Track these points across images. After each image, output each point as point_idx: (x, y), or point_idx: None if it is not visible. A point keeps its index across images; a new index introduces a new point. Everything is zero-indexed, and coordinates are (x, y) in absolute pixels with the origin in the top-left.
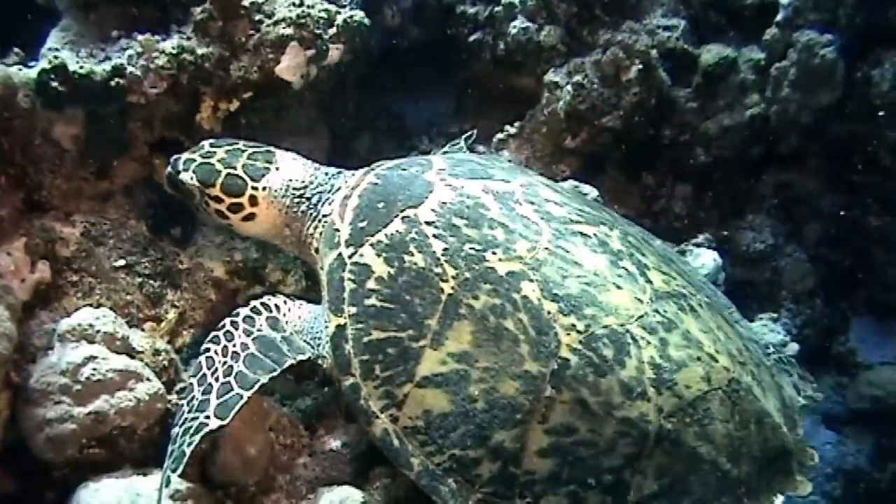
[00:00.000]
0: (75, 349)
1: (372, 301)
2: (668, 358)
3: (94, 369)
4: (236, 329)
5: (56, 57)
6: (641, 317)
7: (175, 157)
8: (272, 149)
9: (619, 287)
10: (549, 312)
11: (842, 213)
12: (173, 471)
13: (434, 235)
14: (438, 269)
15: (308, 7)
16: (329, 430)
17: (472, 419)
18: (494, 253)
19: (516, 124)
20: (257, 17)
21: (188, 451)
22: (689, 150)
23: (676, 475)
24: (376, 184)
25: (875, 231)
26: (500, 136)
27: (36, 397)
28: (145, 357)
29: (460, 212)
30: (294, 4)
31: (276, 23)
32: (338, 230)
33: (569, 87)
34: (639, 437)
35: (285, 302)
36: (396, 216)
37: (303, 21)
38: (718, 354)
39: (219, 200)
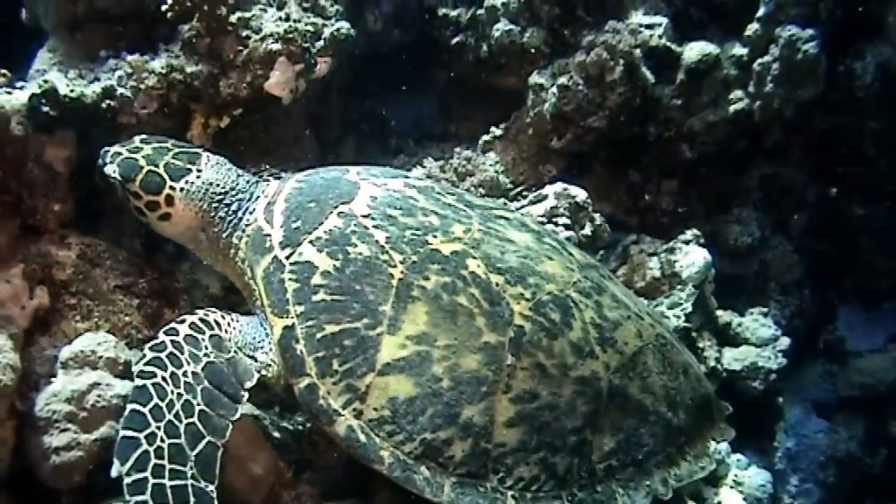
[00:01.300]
0: (79, 376)
1: (320, 296)
2: (605, 318)
3: (99, 395)
4: (181, 353)
5: (46, 81)
6: (576, 282)
7: (105, 148)
8: (200, 151)
9: (550, 258)
10: (497, 284)
11: (827, 202)
12: None
13: (374, 226)
14: (385, 256)
15: (295, 21)
16: (330, 444)
17: (440, 399)
18: (435, 236)
19: (502, 126)
20: (244, 33)
21: None
22: (675, 147)
23: (629, 430)
24: (300, 188)
25: (860, 220)
26: (485, 137)
27: (41, 425)
28: None
29: (392, 203)
30: (281, 19)
31: (263, 38)
32: (268, 235)
33: (554, 89)
34: (594, 395)
35: (223, 316)
36: (331, 212)
37: (290, 36)
38: (641, 313)
39: (137, 196)
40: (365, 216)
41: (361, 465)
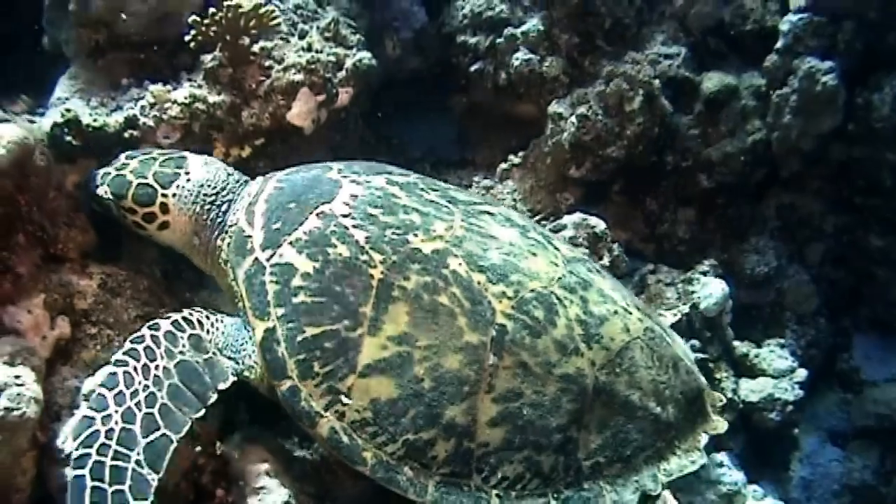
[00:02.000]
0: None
1: (301, 298)
2: (591, 314)
3: None
4: (158, 347)
5: (68, 110)
6: (560, 278)
7: (94, 171)
8: (186, 154)
9: (534, 254)
10: (479, 283)
11: (843, 232)
12: None
13: (353, 226)
14: (365, 257)
15: (317, 52)
16: (350, 475)
17: (421, 400)
18: (416, 235)
19: (520, 154)
20: (267, 63)
21: None
22: (692, 176)
23: (616, 426)
24: (281, 188)
25: (877, 251)
26: (503, 165)
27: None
28: None
29: (373, 202)
30: (303, 49)
31: (286, 69)
32: (249, 236)
33: (573, 119)
34: (579, 392)
35: (208, 317)
36: (311, 213)
37: (313, 66)
38: (630, 307)
39: (132, 212)
40: (345, 216)
41: (381, 495)
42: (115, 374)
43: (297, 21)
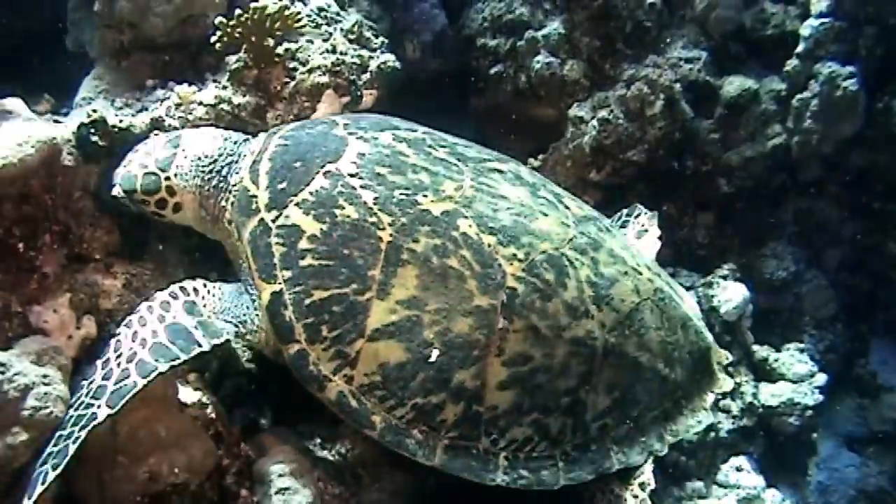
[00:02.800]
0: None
1: (308, 261)
2: (601, 275)
3: (148, 428)
4: (151, 314)
5: (95, 110)
6: (571, 240)
7: (111, 174)
8: (180, 132)
9: (545, 214)
10: (489, 245)
11: (862, 237)
12: (55, 468)
13: (361, 186)
14: (373, 219)
15: (342, 54)
16: (374, 478)
17: (430, 364)
18: (425, 195)
19: (540, 157)
20: (291, 65)
21: (72, 448)
22: (712, 181)
23: (624, 387)
24: (286, 145)
25: (895, 257)
26: None
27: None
28: (193, 411)
29: (381, 161)
30: (328, 51)
31: (310, 70)
32: (254, 196)
33: (594, 122)
34: (588, 355)
35: (204, 285)
36: (318, 172)
37: (338, 68)
38: (640, 267)
39: (145, 203)
40: (352, 175)
41: (405, 497)
42: (108, 345)
43: (320, 23)
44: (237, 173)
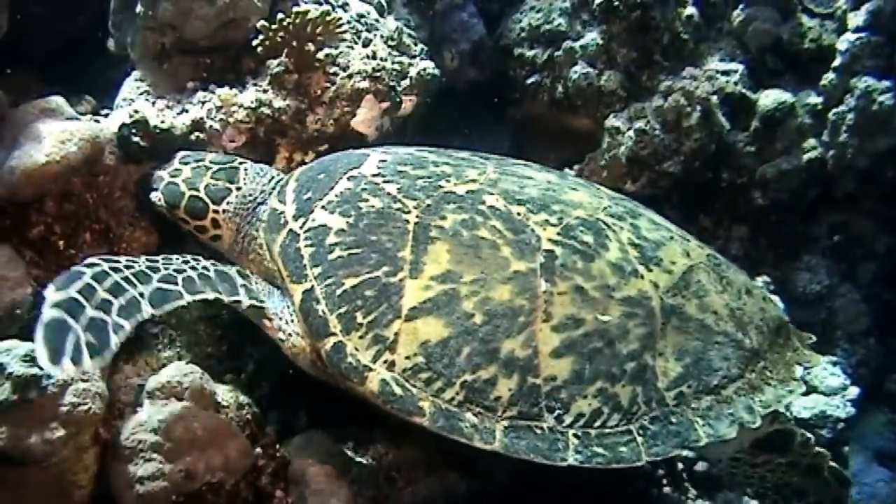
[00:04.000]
0: (165, 406)
1: (337, 253)
2: (644, 238)
3: (185, 427)
4: (205, 258)
5: (136, 111)
6: (606, 208)
7: (151, 172)
8: (237, 164)
9: (575, 189)
10: (518, 214)
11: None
12: (93, 354)
13: (384, 181)
14: (398, 205)
15: (382, 60)
16: (409, 482)
17: (475, 336)
18: (448, 181)
19: (575, 167)
20: (332, 70)
21: (115, 340)
22: (747, 193)
23: (695, 352)
24: (311, 167)
25: None
26: None
27: (127, 454)
28: (230, 411)
29: (403, 161)
30: (368, 57)
31: (351, 76)
32: (282, 213)
33: (630, 133)
34: (646, 315)
35: (258, 278)
36: (341, 178)
37: (378, 74)
38: (687, 236)
39: (185, 221)
40: (375, 175)
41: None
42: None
43: (360, 30)
44: (266, 203)
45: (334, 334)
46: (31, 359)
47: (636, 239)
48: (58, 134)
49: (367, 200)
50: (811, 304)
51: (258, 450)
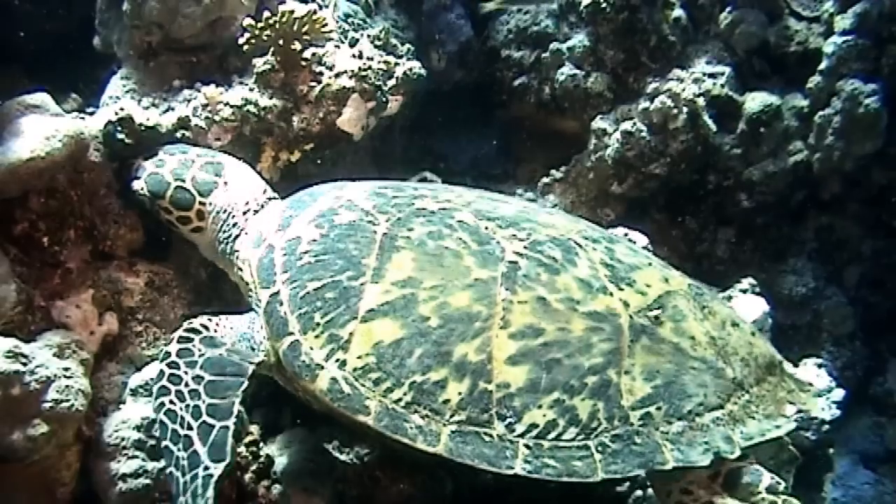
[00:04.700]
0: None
1: (305, 260)
2: (619, 261)
3: None
4: (177, 369)
5: (122, 108)
6: (581, 231)
7: (133, 163)
8: (223, 160)
9: (551, 214)
10: (486, 228)
11: (881, 255)
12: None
13: (363, 199)
14: (370, 218)
15: (368, 59)
16: (393, 480)
17: (428, 338)
18: (423, 200)
19: (562, 169)
20: (318, 69)
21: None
22: (733, 196)
23: (667, 375)
24: (298, 190)
25: None
26: (545, 180)
27: (109, 451)
28: None
29: (384, 186)
30: (354, 56)
31: (337, 75)
32: (266, 229)
33: (617, 135)
34: (612, 331)
35: (210, 319)
36: (323, 197)
37: (364, 73)
38: (668, 267)
39: (168, 211)
40: (356, 195)
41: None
42: (163, 422)
43: (347, 29)
44: (255, 220)
45: (292, 334)
46: (13, 355)
47: (609, 259)
48: (43, 130)
49: (340, 214)
50: (797, 307)
51: (242, 448)
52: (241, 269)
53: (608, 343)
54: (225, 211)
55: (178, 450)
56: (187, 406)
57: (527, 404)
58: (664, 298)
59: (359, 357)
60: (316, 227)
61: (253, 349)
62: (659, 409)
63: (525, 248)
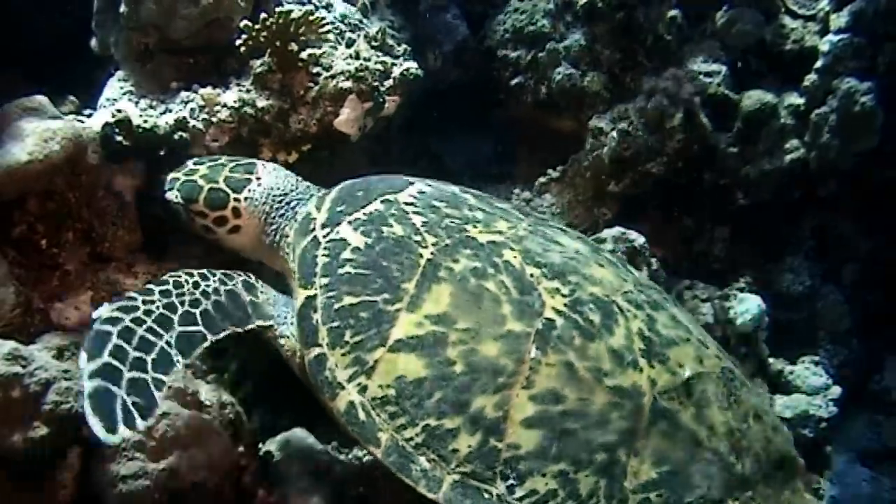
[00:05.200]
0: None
1: (346, 269)
2: (657, 333)
3: (168, 425)
4: (213, 276)
5: (119, 110)
6: (627, 293)
7: (164, 178)
8: (254, 160)
9: (601, 266)
10: (531, 275)
11: (878, 253)
12: (144, 417)
13: (414, 212)
14: (418, 238)
15: (365, 60)
16: (390, 482)
17: (450, 384)
18: (475, 226)
19: (559, 168)
20: (315, 70)
21: (159, 396)
22: (730, 194)
23: (676, 463)
24: (355, 182)
25: None
26: (542, 179)
27: (109, 453)
28: (213, 411)
29: (440, 197)
30: (351, 57)
31: (334, 76)
32: (314, 219)
33: (614, 134)
34: (632, 410)
35: (258, 280)
36: (376, 199)
37: (361, 74)
38: (707, 342)
39: (203, 215)
40: (408, 203)
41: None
42: (166, 279)
43: (343, 30)
44: (305, 206)
45: (320, 346)
46: (13, 357)
47: (647, 331)
48: (40, 133)
49: (391, 226)
50: (794, 305)
51: (241, 449)
52: (287, 254)
53: (625, 422)
54: (265, 203)
55: (161, 299)
56: (192, 294)
57: (532, 469)
58: (694, 381)
59: (380, 386)
60: (363, 233)
61: (280, 321)
62: (660, 496)
63: (566, 305)
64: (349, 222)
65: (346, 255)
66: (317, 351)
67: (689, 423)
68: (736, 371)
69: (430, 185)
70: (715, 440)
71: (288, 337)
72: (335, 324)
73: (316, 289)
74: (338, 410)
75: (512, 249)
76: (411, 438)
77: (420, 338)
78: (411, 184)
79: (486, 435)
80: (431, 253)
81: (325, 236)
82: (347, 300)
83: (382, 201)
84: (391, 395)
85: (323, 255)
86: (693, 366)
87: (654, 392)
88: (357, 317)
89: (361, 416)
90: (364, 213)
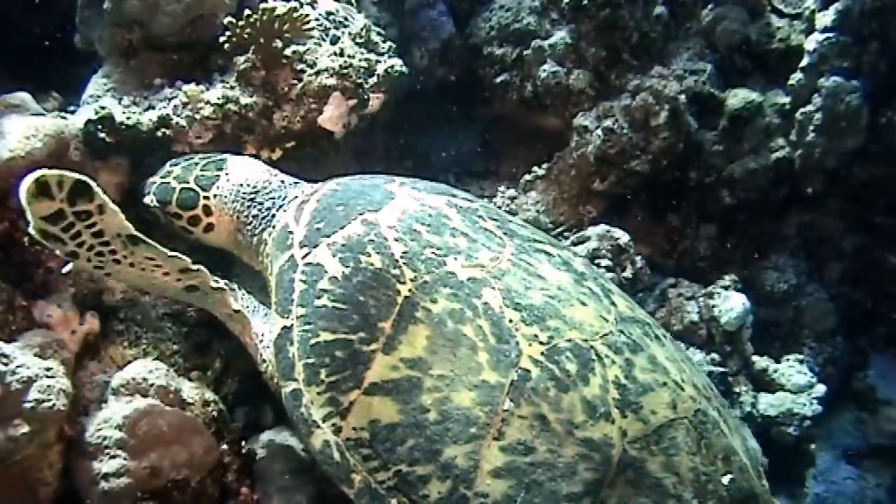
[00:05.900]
0: (130, 403)
1: (323, 301)
2: (633, 379)
3: (150, 424)
4: None
5: (103, 107)
6: (606, 335)
7: (143, 183)
8: (226, 156)
9: (583, 304)
10: (510, 321)
11: (863, 251)
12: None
13: (394, 239)
14: (396, 271)
15: (349, 57)
16: None
17: (423, 431)
18: (456, 259)
19: (544, 166)
20: (299, 67)
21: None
22: (715, 192)
23: None
24: (336, 190)
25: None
26: (527, 177)
27: (91, 451)
28: (196, 408)
29: (422, 219)
30: (336, 54)
31: (318, 73)
32: (291, 232)
33: (599, 132)
34: (601, 461)
35: (244, 293)
36: (355, 218)
37: (345, 71)
38: (684, 383)
39: (178, 216)
40: (389, 227)
41: None
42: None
43: (328, 27)
44: (284, 210)
45: (296, 381)
46: None
47: (623, 379)
48: (23, 129)
49: (368, 255)
50: (779, 303)
51: (224, 447)
52: (265, 265)
53: (592, 473)
54: (235, 200)
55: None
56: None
57: None
58: (664, 429)
59: (354, 429)
60: (341, 261)
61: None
62: None
63: (543, 353)
64: (328, 245)
65: (324, 284)
66: (293, 386)
67: (655, 472)
68: (710, 412)
69: (412, 199)
70: (680, 487)
71: (264, 360)
72: (311, 360)
73: (292, 318)
74: (313, 448)
75: (493, 289)
76: (384, 482)
77: (395, 381)
78: (392, 198)
79: (456, 483)
80: (409, 290)
81: (302, 257)
82: (324, 336)
83: (363, 222)
84: (365, 437)
85: (300, 280)
86: (665, 413)
87: (623, 443)
88: (332, 355)
89: (336, 456)
90: (343, 237)
